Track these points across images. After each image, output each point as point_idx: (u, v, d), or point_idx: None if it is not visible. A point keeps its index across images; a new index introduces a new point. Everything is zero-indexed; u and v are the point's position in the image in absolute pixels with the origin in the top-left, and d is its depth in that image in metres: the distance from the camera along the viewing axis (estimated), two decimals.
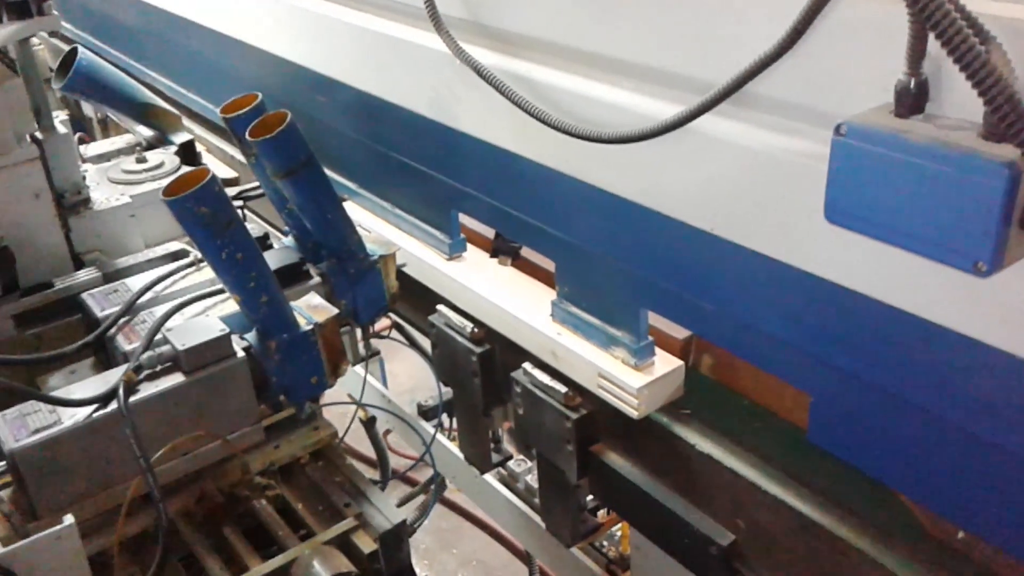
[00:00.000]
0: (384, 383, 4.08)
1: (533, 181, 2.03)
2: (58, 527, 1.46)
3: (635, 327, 1.92)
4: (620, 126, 1.63)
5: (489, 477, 3.07)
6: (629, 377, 1.90)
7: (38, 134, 2.55)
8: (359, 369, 2.96)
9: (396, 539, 1.97)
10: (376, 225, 2.69)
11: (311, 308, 2.13)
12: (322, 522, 2.00)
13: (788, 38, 1.28)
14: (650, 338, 1.94)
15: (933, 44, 1.10)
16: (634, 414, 1.90)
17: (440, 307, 2.43)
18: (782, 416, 1.83)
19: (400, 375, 5.33)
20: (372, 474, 3.88)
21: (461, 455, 2.78)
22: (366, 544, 1.86)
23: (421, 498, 4.21)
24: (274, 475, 2.09)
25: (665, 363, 1.94)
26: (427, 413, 3.83)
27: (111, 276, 2.50)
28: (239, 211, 3.04)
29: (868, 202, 1.20)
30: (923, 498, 1.51)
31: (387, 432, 4.26)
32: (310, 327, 2.06)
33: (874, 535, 1.58)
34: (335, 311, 2.11)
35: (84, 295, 2.30)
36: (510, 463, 3.88)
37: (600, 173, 1.85)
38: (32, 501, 1.76)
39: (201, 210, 1.83)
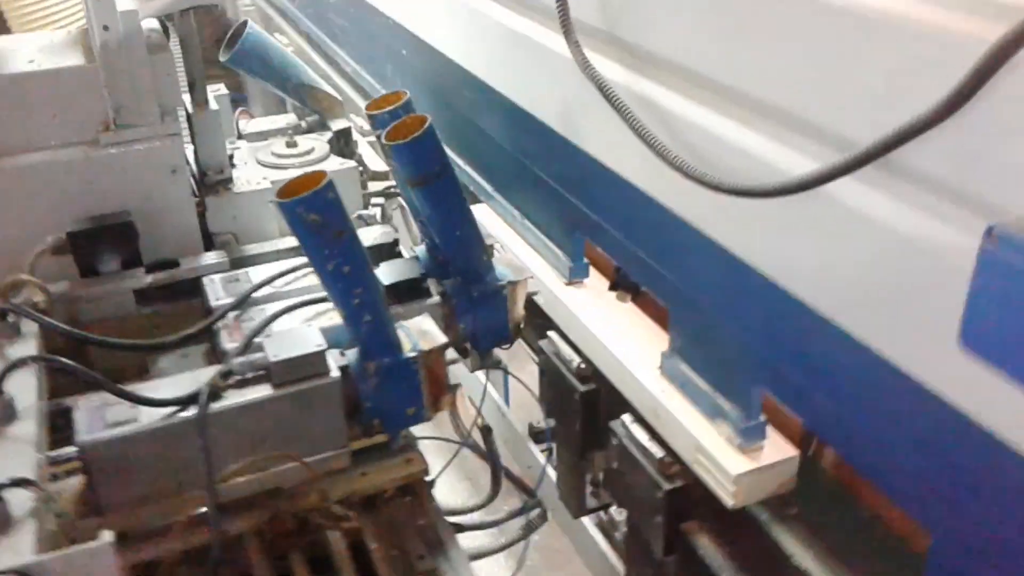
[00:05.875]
0: (506, 397, 3.88)
1: (654, 219, 1.80)
2: (94, 544, 1.34)
3: (746, 403, 1.65)
4: (747, 176, 1.39)
5: (587, 520, 2.83)
6: (729, 460, 1.64)
7: (189, 107, 2.52)
8: (480, 376, 2.80)
9: None
10: (503, 233, 2.53)
11: (420, 333, 1.96)
12: (394, 571, 1.83)
13: (950, 101, 1.01)
14: (762, 418, 1.65)
15: None
16: (729, 503, 1.64)
17: (551, 334, 2.24)
18: (903, 536, 1.52)
19: (521, 390, 5.17)
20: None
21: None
22: None
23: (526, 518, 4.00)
24: (354, 506, 1.94)
25: (776, 450, 1.66)
26: (537, 436, 3.65)
27: (238, 262, 2.43)
28: (385, 207, 2.96)
29: (1016, 335, 0.94)
30: None
31: None
32: (414, 354, 1.89)
33: None
34: (443, 340, 1.92)
35: (205, 279, 2.23)
36: (612, 510, 3.61)
37: (719, 226, 1.62)
38: (99, 496, 1.68)
39: (311, 217, 1.68)
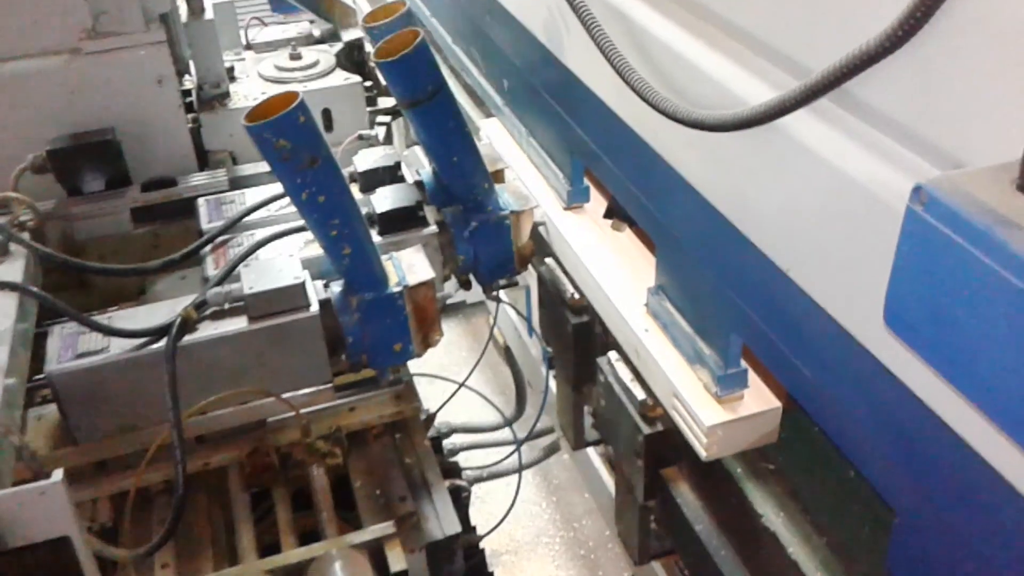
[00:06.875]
0: (529, 319, 3.78)
1: (633, 144, 1.65)
2: (44, 482, 1.30)
3: (724, 350, 1.52)
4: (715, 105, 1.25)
5: (592, 451, 2.76)
6: (704, 409, 1.53)
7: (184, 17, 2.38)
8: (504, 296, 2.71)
9: (446, 552, 1.71)
10: (509, 151, 2.40)
11: (409, 266, 1.85)
12: (373, 511, 1.78)
13: (900, 28, 0.86)
14: (743, 366, 1.53)
15: None
16: (703, 454, 1.53)
17: (548, 261, 2.15)
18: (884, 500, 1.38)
19: None
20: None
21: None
22: (396, 560, 1.60)
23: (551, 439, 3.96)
24: (340, 441, 1.88)
25: (757, 401, 1.54)
26: (552, 360, 3.58)
27: (237, 183, 2.33)
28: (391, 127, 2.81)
29: (940, 315, 0.79)
30: None
31: None
32: (399, 289, 1.79)
33: None
34: (431, 275, 1.81)
35: (199, 200, 2.15)
36: None
37: (687, 163, 1.48)
38: (70, 426, 1.65)
39: (280, 142, 1.56)
